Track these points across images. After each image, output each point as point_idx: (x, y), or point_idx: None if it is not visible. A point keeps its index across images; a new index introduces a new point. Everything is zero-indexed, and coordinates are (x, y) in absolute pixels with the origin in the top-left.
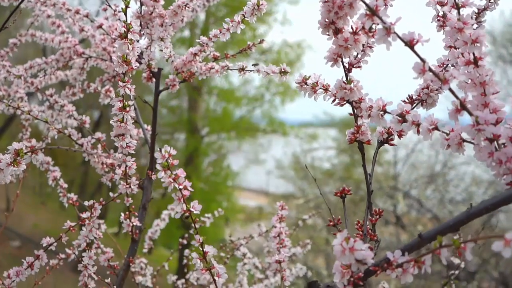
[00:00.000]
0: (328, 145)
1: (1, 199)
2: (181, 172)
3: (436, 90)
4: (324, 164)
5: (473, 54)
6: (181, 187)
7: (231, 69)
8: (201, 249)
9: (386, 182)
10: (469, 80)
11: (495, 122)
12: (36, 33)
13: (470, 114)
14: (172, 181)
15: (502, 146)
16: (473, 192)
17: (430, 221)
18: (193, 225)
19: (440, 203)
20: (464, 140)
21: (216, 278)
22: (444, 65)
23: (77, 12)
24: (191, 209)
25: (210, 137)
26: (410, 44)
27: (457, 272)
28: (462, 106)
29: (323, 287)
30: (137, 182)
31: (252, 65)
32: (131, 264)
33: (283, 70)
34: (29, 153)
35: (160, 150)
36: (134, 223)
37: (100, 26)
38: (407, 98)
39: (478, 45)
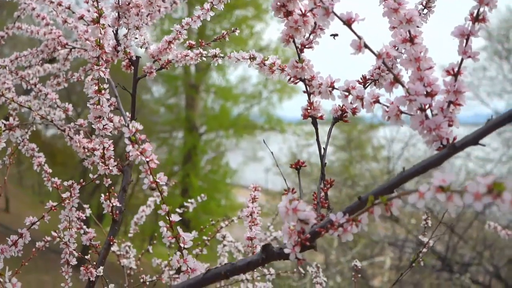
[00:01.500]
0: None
1: (1, 199)
2: (147, 146)
3: (388, 70)
4: None
5: (409, 32)
6: (148, 159)
7: (205, 56)
8: (167, 218)
9: (381, 177)
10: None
11: (430, 95)
12: (22, 25)
13: (403, 86)
14: (139, 154)
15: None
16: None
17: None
18: (160, 194)
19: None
20: (401, 112)
21: (182, 245)
22: (396, 47)
23: (59, 4)
24: (158, 180)
25: (208, 135)
26: (348, 23)
27: (425, 250)
28: (395, 79)
29: (277, 249)
30: (115, 163)
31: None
32: (112, 243)
33: (252, 56)
34: (7, 131)
35: (128, 126)
36: (114, 204)
37: (81, 17)
38: (360, 78)
39: (413, 24)
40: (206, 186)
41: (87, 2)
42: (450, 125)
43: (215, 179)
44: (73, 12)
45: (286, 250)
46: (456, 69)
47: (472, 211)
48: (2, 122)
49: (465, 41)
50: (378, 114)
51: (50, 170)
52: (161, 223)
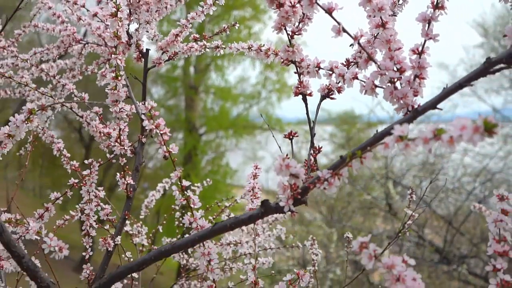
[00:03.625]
0: (323, 138)
1: (2, 201)
2: (161, 121)
3: (362, 50)
4: (322, 159)
5: (381, 18)
6: (162, 132)
7: (208, 48)
8: (179, 183)
9: (380, 174)
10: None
11: (400, 71)
12: (38, 23)
13: (375, 62)
14: (154, 127)
15: None
16: (464, 181)
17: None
18: (172, 162)
19: (432, 191)
20: (376, 86)
21: (192, 205)
22: (374, 34)
23: (75, 3)
24: (170, 149)
25: (208, 136)
26: (329, 11)
27: (410, 222)
28: (369, 57)
29: (273, 204)
30: (130, 144)
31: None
32: (126, 217)
33: (250, 46)
34: (40, 111)
35: (144, 103)
36: (128, 182)
37: (95, 15)
38: (344, 61)
39: (384, 12)
40: (206, 186)
41: (100, 1)
42: (415, 95)
43: (216, 179)
44: (88, 10)
45: (281, 203)
46: (420, 49)
47: (468, 205)
48: (35, 103)
49: (427, 25)
50: (376, 112)
51: (68, 154)
52: (173, 187)
